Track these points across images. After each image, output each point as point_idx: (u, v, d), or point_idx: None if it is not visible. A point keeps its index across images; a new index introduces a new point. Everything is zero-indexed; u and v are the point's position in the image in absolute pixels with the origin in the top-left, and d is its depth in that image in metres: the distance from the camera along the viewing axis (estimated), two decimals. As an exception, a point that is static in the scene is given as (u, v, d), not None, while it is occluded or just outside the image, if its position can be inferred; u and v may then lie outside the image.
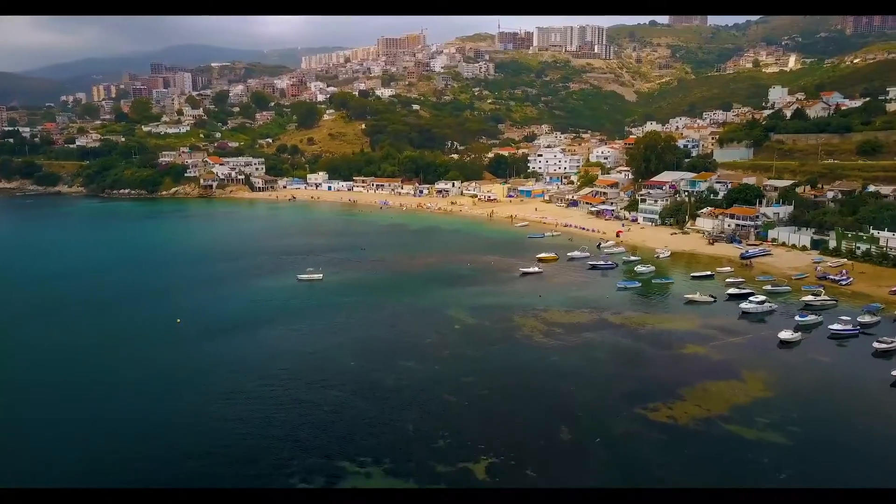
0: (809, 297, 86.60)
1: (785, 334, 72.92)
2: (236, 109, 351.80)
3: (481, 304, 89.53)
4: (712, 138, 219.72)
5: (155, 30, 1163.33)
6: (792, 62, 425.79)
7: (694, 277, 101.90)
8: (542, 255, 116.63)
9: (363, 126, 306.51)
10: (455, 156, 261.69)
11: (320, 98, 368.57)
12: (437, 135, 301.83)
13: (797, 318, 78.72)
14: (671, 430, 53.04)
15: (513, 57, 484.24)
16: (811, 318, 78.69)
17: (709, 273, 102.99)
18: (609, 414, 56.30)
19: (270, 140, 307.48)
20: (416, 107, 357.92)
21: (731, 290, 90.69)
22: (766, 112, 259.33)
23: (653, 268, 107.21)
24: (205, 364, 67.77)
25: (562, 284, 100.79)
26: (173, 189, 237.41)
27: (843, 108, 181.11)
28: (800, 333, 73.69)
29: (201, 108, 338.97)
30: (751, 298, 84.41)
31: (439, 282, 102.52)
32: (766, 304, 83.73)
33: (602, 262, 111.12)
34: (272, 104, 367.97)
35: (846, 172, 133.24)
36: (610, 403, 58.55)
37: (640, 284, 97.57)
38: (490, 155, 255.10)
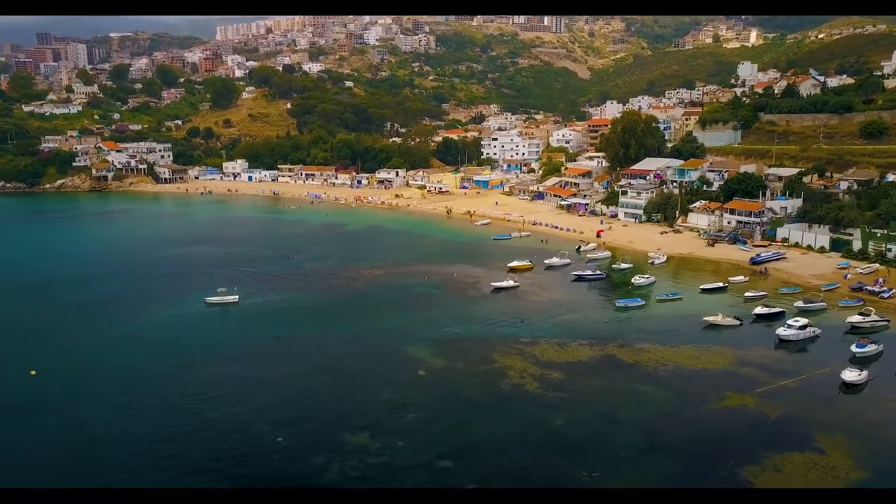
0: (856, 318, 74.44)
1: (850, 375, 60.02)
2: (139, 86, 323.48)
3: (449, 336, 73.74)
4: (685, 119, 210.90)
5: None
6: (753, 37, 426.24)
7: (704, 290, 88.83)
8: (515, 263, 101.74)
9: (288, 105, 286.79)
10: (397, 139, 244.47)
11: (238, 73, 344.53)
12: (375, 115, 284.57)
13: (854, 348, 66.13)
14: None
15: (455, 29, 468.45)
16: (871, 347, 66.24)
17: (721, 284, 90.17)
18: (659, 522, 41.30)
19: (180, 122, 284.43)
20: (349, 84, 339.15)
21: (759, 310, 77.85)
22: (738, 90, 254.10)
23: (652, 278, 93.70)
24: (46, 453, 49.05)
25: (545, 303, 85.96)
26: (58, 181, 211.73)
27: (837, 84, 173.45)
28: (866, 373, 60.82)
29: (96, 85, 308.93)
30: (789, 323, 71.49)
31: (391, 304, 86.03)
32: (808, 328, 70.93)
33: (589, 273, 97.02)
34: (182, 80, 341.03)
35: (856, 159, 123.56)
36: (655, 501, 43.63)
37: (643, 303, 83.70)
38: (437, 139, 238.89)
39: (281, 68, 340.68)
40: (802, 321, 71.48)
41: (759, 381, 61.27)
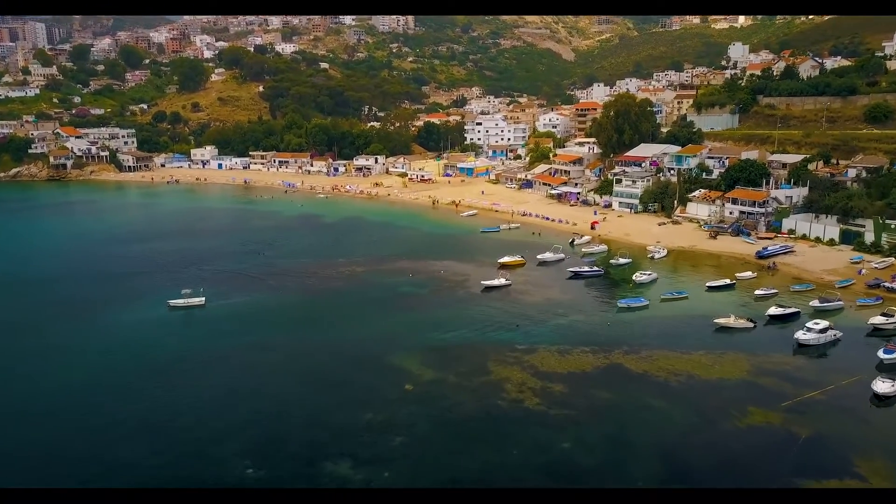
0: (879, 319, 70.36)
1: (882, 386, 55.74)
2: (101, 68, 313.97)
3: (438, 343, 68.56)
4: (677, 102, 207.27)
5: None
6: (742, 17, 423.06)
7: (710, 288, 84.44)
8: (505, 258, 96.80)
9: (260, 88, 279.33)
10: (375, 124, 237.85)
11: (207, 55, 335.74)
12: (352, 98, 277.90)
13: (882, 354, 61.95)
14: None
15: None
16: (900, 352, 62.09)
17: (728, 282, 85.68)
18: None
19: (145, 106, 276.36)
20: (324, 65, 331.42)
21: (773, 310, 73.49)
22: (729, 72, 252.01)
23: (654, 274, 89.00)
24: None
25: (541, 304, 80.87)
26: (13, 170, 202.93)
27: (833, 66, 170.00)
28: (898, 383, 56.53)
29: (55, 66, 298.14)
30: (808, 325, 67.10)
31: (373, 306, 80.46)
32: (828, 331, 66.62)
33: (586, 269, 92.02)
34: (147, 62, 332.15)
35: (862, 144, 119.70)
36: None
37: (647, 303, 78.89)
38: (418, 123, 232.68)
39: (252, 49, 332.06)
40: (823, 323, 67.22)
41: (782, 393, 56.75)
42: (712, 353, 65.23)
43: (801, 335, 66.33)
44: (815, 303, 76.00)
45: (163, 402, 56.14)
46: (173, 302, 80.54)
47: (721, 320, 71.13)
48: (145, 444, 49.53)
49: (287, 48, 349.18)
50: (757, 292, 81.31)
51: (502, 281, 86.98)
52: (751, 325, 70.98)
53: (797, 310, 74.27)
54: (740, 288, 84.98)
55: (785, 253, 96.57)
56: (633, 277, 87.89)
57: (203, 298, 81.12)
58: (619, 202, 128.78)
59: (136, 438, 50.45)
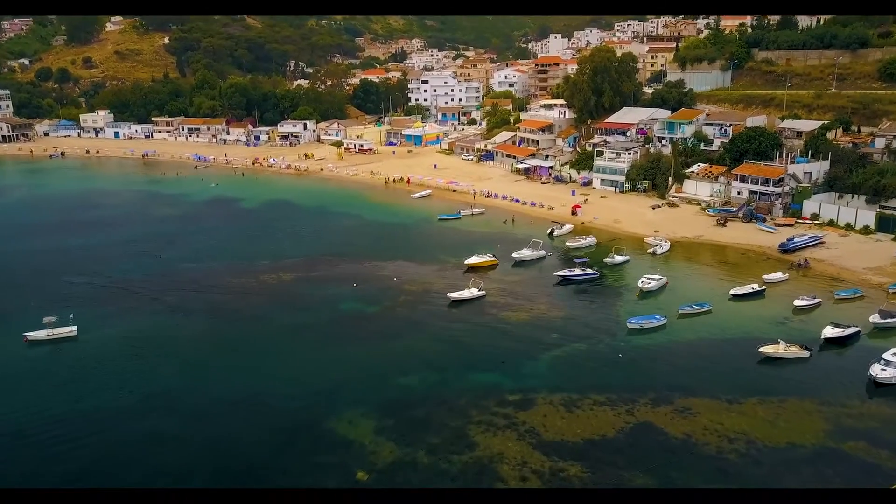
0: (970, 344, 58.44)
1: None
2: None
3: (397, 395, 53.58)
4: (651, 56, 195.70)
5: None
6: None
7: (735, 297, 71.54)
8: (474, 259, 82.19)
9: (166, 40, 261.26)
10: (303, 82, 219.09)
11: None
12: (274, 52, 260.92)
13: None
14: None
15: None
16: None
17: (756, 287, 72.75)
18: None
19: (26, 62, 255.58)
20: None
21: (829, 332, 60.78)
22: (701, 21, 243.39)
23: (663, 279, 75.62)
24: None
25: (526, 325, 66.50)
26: None
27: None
28: None
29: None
30: (886, 358, 54.50)
31: (306, 335, 64.86)
32: (913, 363, 54.36)
33: (577, 272, 77.93)
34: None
35: (885, 108, 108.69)
36: None
37: (664, 321, 65.30)
38: (353, 81, 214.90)
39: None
40: (903, 353, 54.73)
41: (880, 468, 43.93)
42: (768, 399, 52.00)
43: (877, 372, 53.74)
44: (875, 318, 63.77)
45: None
46: (32, 334, 63.76)
47: (768, 350, 58.01)
48: None
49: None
50: (796, 303, 68.62)
51: (474, 292, 72.29)
52: (806, 353, 58.26)
53: (857, 329, 61.97)
54: (771, 295, 72.41)
55: (814, 244, 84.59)
56: (639, 284, 74.23)
57: (74, 328, 64.70)
58: (602, 179, 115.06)
59: None
